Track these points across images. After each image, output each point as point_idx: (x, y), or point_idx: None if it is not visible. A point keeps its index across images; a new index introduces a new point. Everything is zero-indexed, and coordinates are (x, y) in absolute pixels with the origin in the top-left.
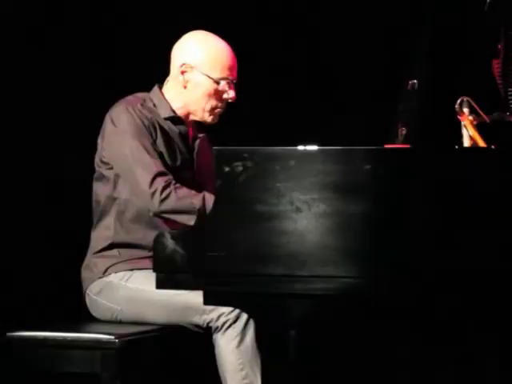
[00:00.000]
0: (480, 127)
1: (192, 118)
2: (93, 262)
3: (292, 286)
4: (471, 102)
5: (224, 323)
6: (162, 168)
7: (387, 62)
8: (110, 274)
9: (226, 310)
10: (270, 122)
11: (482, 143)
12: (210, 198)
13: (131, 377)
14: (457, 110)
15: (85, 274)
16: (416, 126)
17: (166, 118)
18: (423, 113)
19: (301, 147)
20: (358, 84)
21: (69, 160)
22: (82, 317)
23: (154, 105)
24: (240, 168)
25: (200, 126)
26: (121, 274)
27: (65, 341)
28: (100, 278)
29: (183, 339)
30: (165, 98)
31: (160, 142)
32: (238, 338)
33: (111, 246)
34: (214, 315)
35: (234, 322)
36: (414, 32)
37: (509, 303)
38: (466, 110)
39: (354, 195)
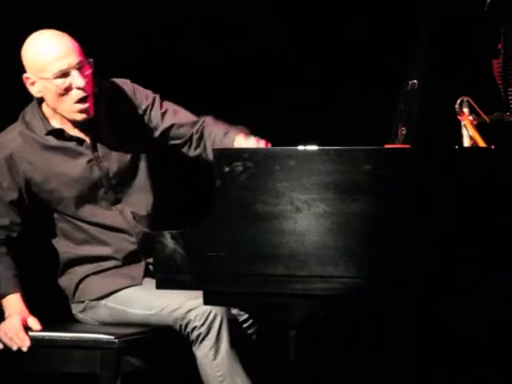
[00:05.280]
0: (480, 127)
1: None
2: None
3: (292, 286)
4: (471, 102)
5: (197, 336)
6: None
7: (387, 61)
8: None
9: (197, 323)
10: (271, 122)
11: (482, 143)
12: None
13: (131, 377)
14: (457, 110)
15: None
16: (416, 126)
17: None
18: (423, 113)
19: (301, 147)
20: (358, 84)
21: None
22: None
23: (29, 125)
24: (240, 168)
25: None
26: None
27: (65, 341)
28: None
29: (183, 339)
30: (40, 113)
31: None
32: (212, 350)
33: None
34: (189, 329)
35: (206, 334)
36: (414, 32)
37: None
38: (466, 110)
39: (354, 195)
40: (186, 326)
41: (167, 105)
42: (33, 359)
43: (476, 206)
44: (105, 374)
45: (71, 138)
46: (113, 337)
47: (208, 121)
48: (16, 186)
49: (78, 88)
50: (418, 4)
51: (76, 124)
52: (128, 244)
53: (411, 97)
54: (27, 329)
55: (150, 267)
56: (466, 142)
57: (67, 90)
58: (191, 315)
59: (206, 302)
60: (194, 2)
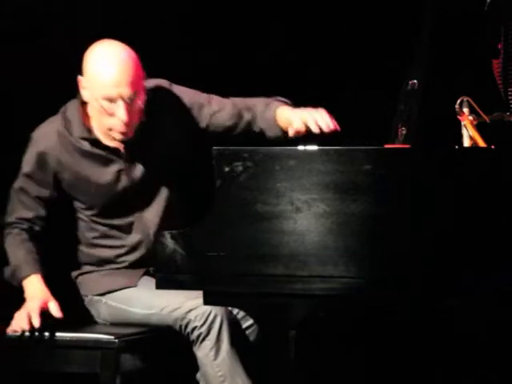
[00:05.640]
0: (480, 127)
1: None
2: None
3: (292, 286)
4: (471, 102)
5: (198, 336)
6: (20, 216)
7: (387, 61)
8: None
9: (197, 323)
10: None
11: (481, 143)
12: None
13: (131, 377)
14: (457, 110)
15: None
16: (416, 126)
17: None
18: (423, 113)
19: (301, 147)
20: (358, 84)
21: None
22: (81, 317)
23: (67, 124)
24: (240, 168)
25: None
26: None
27: (65, 341)
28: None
29: (182, 339)
30: (80, 115)
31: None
32: (213, 351)
33: None
34: (189, 329)
35: (207, 334)
36: (414, 32)
37: None
38: (466, 110)
39: (354, 195)
40: (186, 326)
41: (214, 101)
42: (33, 359)
43: (476, 206)
44: (105, 373)
45: (105, 148)
46: (113, 337)
47: (250, 102)
48: (45, 181)
49: (120, 119)
50: (418, 4)
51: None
52: (138, 252)
53: (411, 97)
54: (45, 315)
55: (151, 269)
56: (466, 142)
57: (110, 115)
58: (191, 315)
59: (205, 302)
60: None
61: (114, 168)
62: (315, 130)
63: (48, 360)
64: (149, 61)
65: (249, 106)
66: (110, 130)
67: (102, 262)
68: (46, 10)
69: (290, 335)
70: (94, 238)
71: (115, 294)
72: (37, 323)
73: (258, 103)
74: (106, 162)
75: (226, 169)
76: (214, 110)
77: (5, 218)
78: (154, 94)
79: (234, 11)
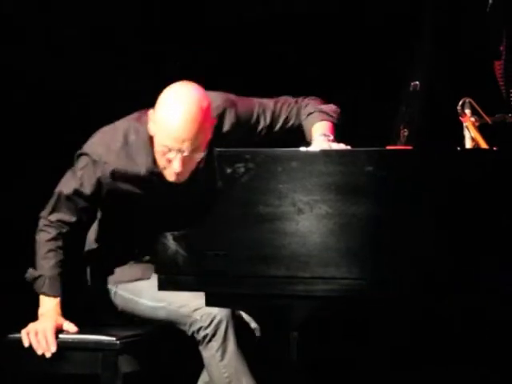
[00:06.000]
0: (482, 128)
1: None
2: None
3: (294, 287)
4: (473, 103)
5: (204, 337)
6: (63, 219)
7: (388, 62)
8: None
9: (203, 323)
10: None
11: (483, 144)
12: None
13: (132, 378)
14: (459, 111)
15: None
16: (418, 127)
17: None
18: (425, 114)
19: (303, 148)
20: (360, 85)
21: None
22: (83, 318)
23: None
24: (242, 169)
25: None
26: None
27: (66, 342)
28: None
29: (185, 340)
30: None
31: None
32: (219, 352)
33: None
34: (194, 328)
35: (213, 335)
36: (415, 33)
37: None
38: (467, 111)
39: (356, 197)
40: (192, 324)
41: (263, 111)
42: (34, 361)
43: (478, 207)
44: (106, 374)
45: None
46: (114, 338)
47: (305, 102)
48: (95, 198)
49: (173, 170)
50: (420, 4)
51: None
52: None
53: (413, 98)
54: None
55: None
56: (468, 144)
57: (166, 161)
58: (197, 314)
59: (207, 303)
60: None
61: (164, 192)
62: None
63: (49, 361)
64: None
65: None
66: (163, 170)
67: (117, 255)
68: None
69: (292, 336)
70: (115, 237)
71: (127, 284)
72: (53, 347)
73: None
74: (159, 188)
75: (228, 170)
76: (267, 125)
77: (45, 212)
78: (221, 120)
79: (233, 11)
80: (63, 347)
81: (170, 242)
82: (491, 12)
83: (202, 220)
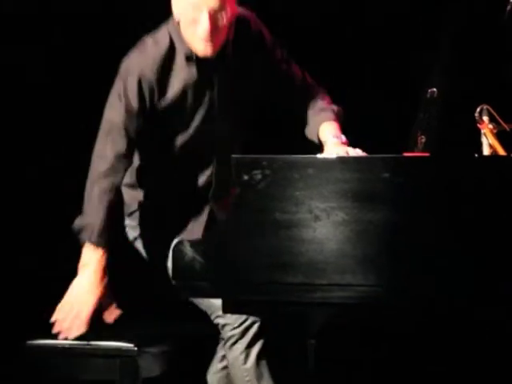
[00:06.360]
0: (500, 135)
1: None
2: None
3: (311, 294)
4: (491, 110)
5: (230, 337)
6: (121, 151)
7: (407, 68)
8: None
9: (234, 322)
10: (286, 129)
11: (501, 151)
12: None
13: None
14: (476, 118)
15: None
16: (435, 134)
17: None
18: (443, 121)
19: (319, 155)
20: (377, 91)
21: None
22: (101, 324)
23: (172, 44)
24: (259, 176)
25: None
26: None
27: (84, 349)
28: None
29: (203, 348)
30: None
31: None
32: (243, 355)
33: None
34: (222, 322)
35: (240, 338)
36: (434, 39)
37: None
38: (485, 118)
39: (373, 203)
40: (221, 318)
41: (285, 61)
42: (52, 367)
43: (495, 214)
44: (124, 381)
45: (200, 68)
46: (132, 345)
47: (315, 89)
48: (144, 112)
49: (203, 28)
50: (438, 11)
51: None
52: (189, 209)
53: (431, 105)
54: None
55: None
56: (486, 151)
57: (194, 22)
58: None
59: (224, 311)
60: None
61: (205, 95)
62: None
63: (67, 368)
64: None
65: (307, 103)
66: (194, 41)
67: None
68: None
69: (309, 344)
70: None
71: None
72: (81, 331)
73: (316, 101)
74: (199, 91)
75: (245, 177)
76: (284, 83)
77: (98, 147)
78: (242, 25)
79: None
80: (81, 354)
81: (187, 248)
82: (509, 19)
83: (218, 226)
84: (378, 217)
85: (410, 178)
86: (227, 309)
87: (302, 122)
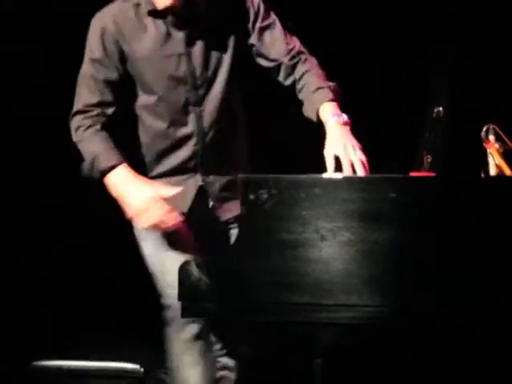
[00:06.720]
0: (506, 155)
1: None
2: None
3: (318, 314)
4: (497, 129)
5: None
6: (88, 102)
7: (412, 88)
8: None
9: (174, 304)
10: (295, 149)
11: (508, 171)
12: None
13: None
14: (483, 137)
15: None
16: (441, 153)
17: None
18: (449, 140)
19: (326, 175)
20: (383, 111)
21: None
22: (107, 344)
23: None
24: (265, 196)
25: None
26: None
27: (90, 370)
28: None
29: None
30: None
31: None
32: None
33: None
34: (165, 302)
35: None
36: (440, 59)
37: None
38: (491, 137)
39: (379, 223)
40: (164, 297)
41: (269, 20)
42: None
43: (502, 234)
44: None
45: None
46: (138, 366)
47: (308, 61)
48: (112, 61)
49: None
50: (444, 29)
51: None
52: (188, 147)
53: (436, 124)
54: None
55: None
56: (492, 171)
57: None
58: (175, 292)
59: (232, 331)
60: None
61: (174, 49)
62: (347, 172)
63: None
64: None
65: (302, 73)
66: None
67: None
68: None
69: (315, 364)
70: (151, 136)
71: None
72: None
73: (312, 78)
74: (166, 39)
75: (252, 196)
76: (266, 42)
77: (73, 108)
78: None
79: None
80: (87, 375)
81: (194, 268)
82: None
83: (225, 247)
84: (383, 237)
85: (416, 198)
86: (234, 329)
87: (293, 95)
